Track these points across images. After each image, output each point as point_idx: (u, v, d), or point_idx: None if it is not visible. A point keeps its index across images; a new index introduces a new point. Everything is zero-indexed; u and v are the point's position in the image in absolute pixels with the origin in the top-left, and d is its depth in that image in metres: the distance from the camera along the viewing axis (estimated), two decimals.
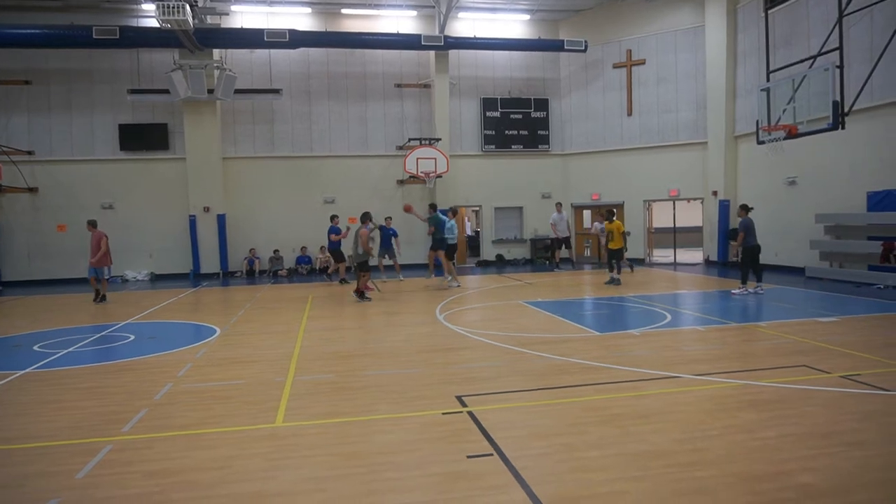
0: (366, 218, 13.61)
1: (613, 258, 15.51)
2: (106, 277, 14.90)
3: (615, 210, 16.77)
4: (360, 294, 13.43)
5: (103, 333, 10.31)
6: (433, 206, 16.59)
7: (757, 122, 14.49)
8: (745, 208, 13.40)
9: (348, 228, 17.22)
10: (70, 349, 9.03)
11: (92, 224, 14.69)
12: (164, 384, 6.82)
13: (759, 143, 14.55)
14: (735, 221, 19.03)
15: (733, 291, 13.15)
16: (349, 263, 14.29)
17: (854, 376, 6.36)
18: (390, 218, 18.48)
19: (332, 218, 17.28)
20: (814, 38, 15.10)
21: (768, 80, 14.74)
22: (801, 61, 14.11)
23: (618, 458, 4.50)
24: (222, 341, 9.42)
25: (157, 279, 20.23)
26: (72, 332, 10.47)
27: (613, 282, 15.20)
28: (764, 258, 17.79)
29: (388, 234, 17.66)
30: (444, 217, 16.23)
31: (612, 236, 15.32)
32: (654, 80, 21.21)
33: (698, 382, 6.37)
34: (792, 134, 13.40)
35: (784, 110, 13.74)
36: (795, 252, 16.59)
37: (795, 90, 13.38)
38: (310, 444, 4.94)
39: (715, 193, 19.67)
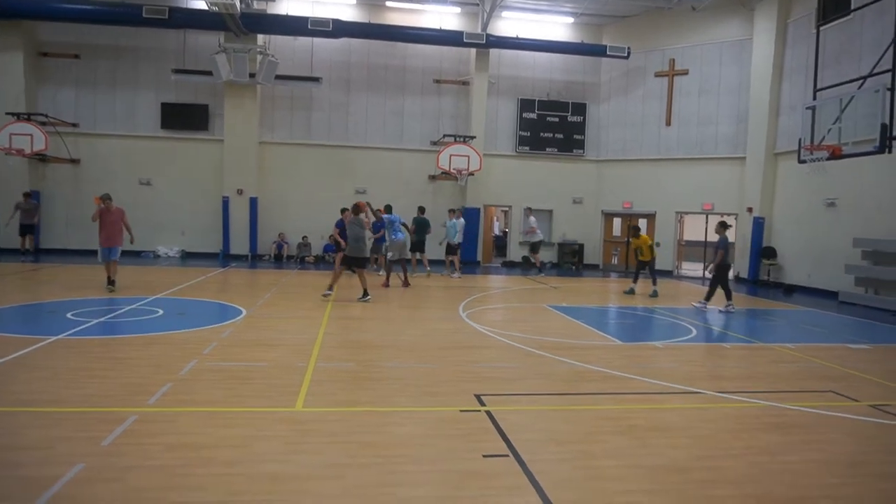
0: (357, 210, 12.45)
1: (642, 269, 15.39)
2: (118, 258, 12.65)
3: (639, 226, 16.58)
4: (365, 293, 12.21)
5: (134, 306, 10.54)
6: (388, 208, 16.25)
7: (800, 140, 14.21)
8: (724, 226, 13.10)
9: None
10: (102, 319, 9.26)
11: (107, 198, 12.36)
12: (190, 360, 6.95)
13: (801, 161, 14.26)
14: (769, 240, 18.80)
15: (720, 309, 12.76)
16: (347, 254, 12.57)
17: (884, 406, 6.21)
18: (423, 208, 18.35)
19: (343, 211, 17.09)
20: (865, 59, 14.71)
21: (815, 98, 14.44)
22: (851, 81, 13.77)
23: (634, 469, 4.47)
24: (248, 323, 9.56)
25: (187, 256, 20.58)
26: (104, 303, 10.72)
27: (654, 294, 14.98)
28: (796, 279, 17.56)
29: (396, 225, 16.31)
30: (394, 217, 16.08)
31: (641, 251, 15.19)
32: (695, 91, 20.90)
33: (721, 400, 6.28)
34: (835, 155, 13.11)
35: (829, 130, 13.45)
36: (829, 275, 16.22)
37: (843, 110, 13.09)
38: (328, 431, 5.00)
39: (750, 210, 19.32)
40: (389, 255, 15.23)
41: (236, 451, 4.48)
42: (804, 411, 5.96)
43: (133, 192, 20.29)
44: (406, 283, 14.91)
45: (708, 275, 13.30)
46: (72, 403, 5.39)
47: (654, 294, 14.98)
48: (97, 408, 5.29)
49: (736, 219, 20.28)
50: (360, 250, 12.30)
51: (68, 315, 9.42)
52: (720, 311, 12.65)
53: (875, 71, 12.93)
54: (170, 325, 9.00)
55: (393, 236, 15.49)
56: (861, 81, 13.24)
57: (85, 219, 20.15)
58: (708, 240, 21.50)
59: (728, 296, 12.87)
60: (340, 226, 16.15)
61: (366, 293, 12.19)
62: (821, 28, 15.27)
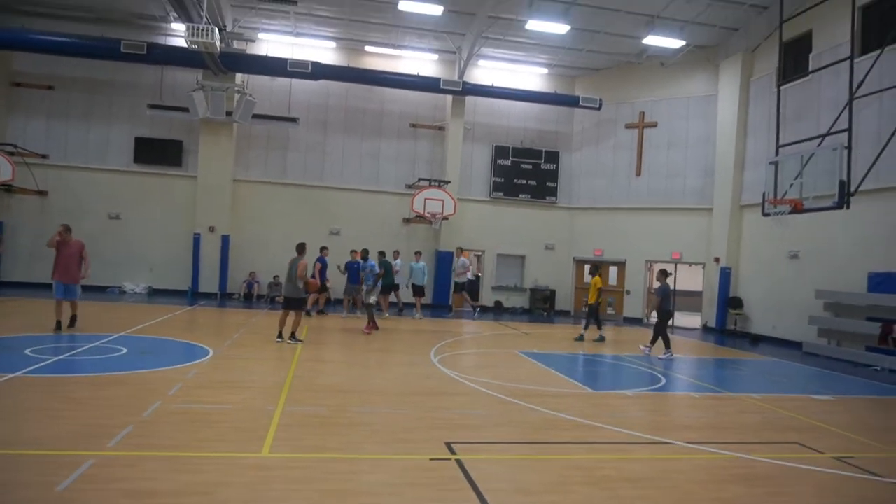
0: (301, 249, 12.10)
1: (592, 314, 15.35)
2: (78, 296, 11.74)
3: (598, 265, 16.70)
4: (293, 336, 11.83)
5: (96, 344, 10.25)
6: (366, 252, 15.85)
7: (763, 193, 14.64)
8: (665, 274, 13.48)
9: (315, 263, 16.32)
10: (62, 356, 8.98)
11: (67, 229, 11.62)
12: (153, 402, 6.76)
13: (765, 214, 14.67)
14: (736, 290, 19.20)
15: (660, 356, 12.88)
16: (284, 294, 12.23)
17: (847, 458, 6.30)
18: (397, 251, 19.31)
19: (322, 249, 17.12)
20: (824, 117, 15.38)
21: (777, 153, 14.95)
22: (811, 139, 14.33)
23: None
24: (215, 363, 9.36)
25: (154, 293, 20.18)
26: (65, 339, 10.42)
27: (600, 339, 15.12)
28: (762, 329, 17.88)
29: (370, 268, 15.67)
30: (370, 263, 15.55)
31: (588, 293, 15.24)
32: (664, 143, 21.55)
33: (689, 451, 6.31)
34: (797, 209, 13.52)
35: (791, 185, 13.90)
36: (794, 326, 16.57)
37: (803, 166, 13.56)
38: (295, 478, 4.88)
39: (717, 260, 19.76)
40: (372, 299, 14.59)
41: (199, 499, 4.34)
42: (771, 463, 6.01)
43: (101, 226, 19.99)
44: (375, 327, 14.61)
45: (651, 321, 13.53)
46: (26, 446, 5.18)
47: (601, 339, 15.08)
48: (53, 451, 5.09)
49: (703, 268, 20.72)
50: (297, 291, 11.83)
51: (26, 352, 9.11)
52: (659, 359, 12.75)
53: (833, 130, 13.49)
54: (133, 365, 8.77)
55: (369, 281, 15.02)
56: (820, 139, 13.78)
57: (50, 252, 19.73)
58: (677, 289, 21.88)
59: (667, 344, 13.09)
60: (322, 262, 16.18)
61: (293, 335, 11.84)
62: (781, 87, 15.95)
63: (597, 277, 15.38)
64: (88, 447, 5.20)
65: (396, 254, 19.22)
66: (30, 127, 19.91)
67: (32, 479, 4.48)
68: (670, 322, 13.25)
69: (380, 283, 14.62)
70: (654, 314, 13.17)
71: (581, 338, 15.21)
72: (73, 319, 11.58)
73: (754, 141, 19.01)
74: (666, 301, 13.30)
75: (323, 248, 17.18)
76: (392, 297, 18.71)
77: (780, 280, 17.42)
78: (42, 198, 19.84)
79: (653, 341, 13.41)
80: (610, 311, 22.40)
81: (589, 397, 8.74)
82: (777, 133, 15.22)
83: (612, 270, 22.54)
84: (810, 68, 16.46)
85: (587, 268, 15.70)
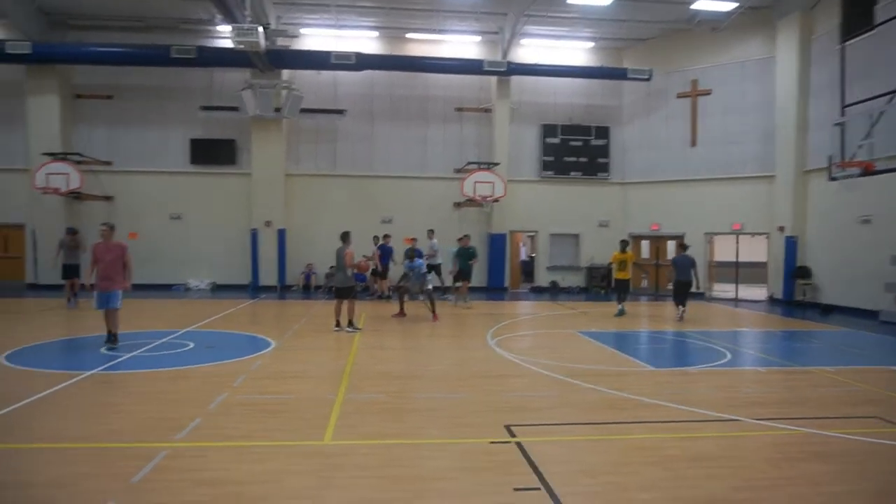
0: (346, 237, 12.18)
1: (621, 289, 15.46)
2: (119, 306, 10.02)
3: (628, 241, 16.75)
4: (351, 323, 12.01)
5: (165, 340, 10.66)
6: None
7: (830, 157, 13.96)
8: (683, 246, 15.14)
9: (364, 255, 16.05)
10: (133, 353, 9.37)
11: (111, 228, 10.19)
12: (220, 394, 6.98)
13: (832, 179, 14.01)
14: (803, 259, 18.41)
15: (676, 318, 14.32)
16: (334, 284, 12.52)
17: None
18: (416, 239, 17.60)
19: (375, 238, 17.34)
20: (893, 73, 14.45)
21: (843, 114, 14.21)
22: (880, 96, 13.53)
23: (669, 502, 4.33)
24: (277, 354, 9.60)
25: (217, 289, 20.85)
26: (136, 337, 10.86)
27: (620, 313, 15.11)
28: (833, 299, 17.09)
29: (420, 255, 15.14)
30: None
31: (623, 266, 15.25)
32: (719, 110, 20.73)
33: (759, 427, 6.08)
34: (868, 171, 12.84)
35: (860, 146, 13.20)
36: (868, 294, 15.75)
37: (873, 125, 12.85)
38: (358, 464, 4.95)
39: (781, 229, 18.94)
40: (429, 286, 14.19)
41: (265, 487, 4.45)
42: (848, 439, 5.74)
43: (164, 226, 20.80)
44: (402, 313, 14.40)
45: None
46: (102, 439, 5.43)
47: (620, 313, 15.09)
48: (126, 443, 5.32)
49: (767, 238, 19.91)
50: (346, 280, 11.99)
51: (101, 350, 9.56)
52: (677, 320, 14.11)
53: None
54: (199, 359, 9.08)
55: (418, 279, 14.37)
56: (891, 96, 13.00)
57: None
58: (740, 260, 21.16)
59: (678, 305, 14.53)
60: (383, 249, 16.80)
61: (351, 323, 12.01)
62: (845, 44, 15.08)
63: (628, 253, 15.57)
64: (160, 439, 5.41)
65: (431, 233, 18.41)
66: (93, 136, 20.77)
67: (108, 471, 4.70)
68: (691, 290, 14.64)
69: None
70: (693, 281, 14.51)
71: (621, 311, 15.13)
72: (110, 336, 9.94)
73: (817, 102, 18.05)
74: (680, 272, 14.48)
75: (386, 236, 17.36)
76: (436, 281, 17.42)
77: (851, 247, 16.56)
78: (108, 203, 20.72)
79: (682, 303, 14.51)
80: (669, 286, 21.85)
81: (650, 375, 8.55)
82: (842, 92, 14.47)
83: (670, 245, 21.93)
84: (876, 21, 15.46)
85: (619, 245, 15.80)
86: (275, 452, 5.17)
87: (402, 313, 14.35)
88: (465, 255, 16.75)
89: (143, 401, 6.73)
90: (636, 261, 15.95)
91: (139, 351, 9.59)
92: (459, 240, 17.37)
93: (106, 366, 8.43)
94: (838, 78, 14.78)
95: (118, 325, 10.02)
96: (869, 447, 5.53)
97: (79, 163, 19.63)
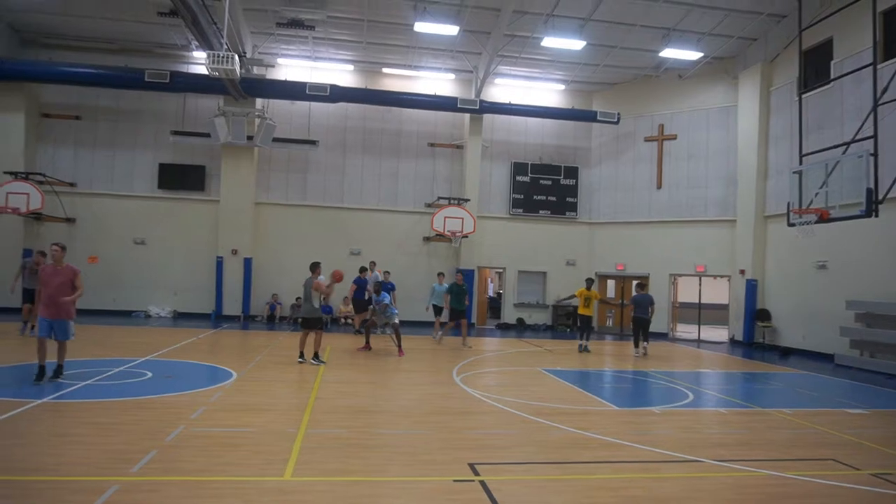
0: (314, 268, 12.05)
1: (584, 325, 16.16)
2: (71, 337, 9.13)
3: (593, 279, 17.26)
4: (316, 356, 11.89)
5: (122, 368, 10.35)
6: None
7: (788, 204, 14.41)
8: (641, 286, 16.61)
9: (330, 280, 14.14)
10: (88, 381, 9.06)
11: (63, 249, 9.11)
12: (176, 426, 6.78)
13: (790, 225, 14.42)
14: (763, 302, 18.86)
15: (634, 354, 15.59)
16: (301, 315, 12.31)
17: (885, 475, 6.08)
18: (388, 272, 17.08)
19: (361, 270, 16.97)
20: (847, 125, 15.13)
21: (801, 162, 14.73)
22: (835, 147, 14.11)
23: None
24: (238, 386, 9.38)
25: (179, 317, 20.39)
26: (91, 364, 10.52)
27: (583, 349, 15.91)
28: (792, 342, 17.50)
29: (387, 289, 14.90)
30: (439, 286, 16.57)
31: (588, 302, 15.89)
32: (685, 155, 21.36)
33: (720, 469, 6.14)
34: (823, 218, 13.28)
35: (816, 194, 13.66)
36: (825, 338, 16.18)
37: (828, 174, 13.33)
38: (317, 502, 4.83)
39: (742, 272, 19.43)
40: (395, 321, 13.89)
41: None
42: (805, 481, 5.82)
43: (127, 251, 20.41)
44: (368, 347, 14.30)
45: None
46: (51, 472, 5.21)
47: (583, 349, 15.90)
48: (76, 477, 5.11)
49: (729, 281, 20.38)
50: (313, 311, 11.86)
51: (36, 382, 9.20)
52: (634, 356, 15.30)
53: (857, 137, 13.26)
54: (158, 389, 8.82)
55: (387, 312, 14.05)
56: (845, 147, 13.56)
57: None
58: (702, 301, 21.57)
59: (636, 344, 15.59)
60: (359, 283, 16.27)
61: (316, 356, 11.89)
62: (802, 96, 15.75)
63: (593, 291, 16.23)
64: (112, 473, 5.22)
65: (373, 265, 17.47)
66: (58, 156, 20.40)
67: None
68: (649, 328, 15.79)
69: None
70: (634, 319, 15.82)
71: (584, 348, 15.90)
72: (58, 368, 9.13)
73: (776, 151, 18.76)
74: (638, 309, 15.58)
75: (363, 270, 16.75)
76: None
77: (808, 291, 17.05)
78: (70, 225, 20.24)
79: (636, 343, 15.59)
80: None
81: (615, 415, 8.59)
82: (800, 142, 15.02)
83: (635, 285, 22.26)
84: (832, 76, 16.24)
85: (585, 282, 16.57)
86: (231, 488, 5.02)
87: (367, 346, 14.22)
88: (458, 293, 16.04)
89: (95, 432, 6.49)
90: (603, 299, 16.47)
91: (94, 379, 9.28)
92: (440, 274, 17.23)
93: (57, 394, 8.12)
94: (797, 128, 15.37)
95: (64, 355, 9.17)
96: (827, 489, 5.62)
97: (41, 183, 19.20)
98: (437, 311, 17.00)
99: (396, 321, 13.75)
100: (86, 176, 20.55)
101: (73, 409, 7.47)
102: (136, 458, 5.59)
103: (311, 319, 11.92)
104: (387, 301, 13.78)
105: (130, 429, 6.66)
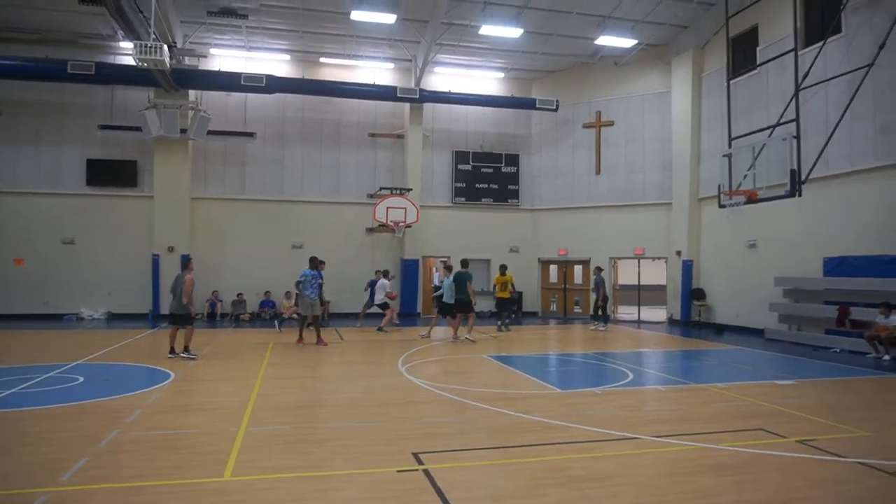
0: (186, 264, 12.10)
1: (502, 307, 17.72)
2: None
3: (506, 265, 18.35)
4: (187, 349, 11.75)
5: (51, 374, 9.89)
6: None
7: (719, 186, 14.97)
8: (599, 269, 18.76)
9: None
10: (14, 390, 8.63)
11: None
12: (110, 431, 6.53)
13: (721, 206, 14.99)
14: (699, 281, 19.55)
15: (599, 328, 18.17)
16: (171, 310, 11.97)
17: (810, 441, 6.41)
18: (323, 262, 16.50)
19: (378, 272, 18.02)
20: (773, 109, 15.78)
21: (730, 146, 15.31)
22: (761, 130, 14.71)
23: None
24: (176, 387, 9.12)
25: (113, 318, 19.64)
26: (18, 372, 10.03)
27: (503, 328, 17.45)
28: (726, 319, 18.23)
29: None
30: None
31: (505, 286, 17.50)
32: (622, 140, 21.86)
33: (657, 444, 6.34)
34: (752, 199, 13.85)
35: (745, 176, 14.24)
36: (756, 314, 16.92)
37: (756, 157, 13.91)
38: (260, 501, 4.75)
39: (679, 253, 20.08)
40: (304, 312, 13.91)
41: None
42: (737, 451, 6.08)
43: (55, 252, 19.51)
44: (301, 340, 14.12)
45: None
46: None
47: (500, 329, 17.28)
48: (2, 490, 4.86)
49: (666, 262, 21.02)
50: (182, 307, 11.67)
51: None
52: (600, 330, 17.87)
53: (781, 121, 13.86)
54: (90, 394, 8.48)
55: (307, 293, 13.84)
56: (770, 130, 14.15)
57: (1, 282, 19.06)
58: (641, 283, 22.20)
59: (605, 321, 18.63)
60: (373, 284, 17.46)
61: (186, 349, 11.77)
62: (731, 81, 16.32)
63: (508, 275, 17.73)
64: (40, 483, 4.98)
65: (317, 263, 14.48)
66: None
67: None
68: (609, 304, 18.84)
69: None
70: (593, 300, 18.61)
71: (505, 326, 17.54)
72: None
73: (709, 135, 19.41)
74: (602, 288, 18.11)
75: (321, 263, 14.77)
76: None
77: (740, 269, 17.77)
78: None
79: (595, 317, 18.43)
80: (577, 308, 22.63)
81: (558, 397, 8.75)
82: (729, 126, 15.59)
83: (578, 269, 22.75)
84: (758, 62, 16.89)
85: (500, 267, 18.24)
86: (169, 492, 4.88)
87: (300, 340, 14.05)
88: (461, 282, 14.98)
89: (23, 441, 6.19)
90: (512, 282, 17.92)
91: (21, 387, 8.85)
92: (448, 268, 15.90)
93: None
94: (726, 112, 15.95)
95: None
96: (755, 458, 5.88)
97: None
98: (445, 309, 15.61)
99: (318, 313, 14.02)
100: (8, 174, 19.47)
101: None
102: (66, 467, 5.36)
103: (180, 315, 11.74)
104: (307, 291, 13.78)
105: (61, 437, 6.38)
